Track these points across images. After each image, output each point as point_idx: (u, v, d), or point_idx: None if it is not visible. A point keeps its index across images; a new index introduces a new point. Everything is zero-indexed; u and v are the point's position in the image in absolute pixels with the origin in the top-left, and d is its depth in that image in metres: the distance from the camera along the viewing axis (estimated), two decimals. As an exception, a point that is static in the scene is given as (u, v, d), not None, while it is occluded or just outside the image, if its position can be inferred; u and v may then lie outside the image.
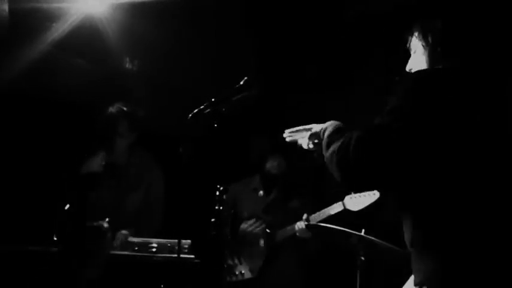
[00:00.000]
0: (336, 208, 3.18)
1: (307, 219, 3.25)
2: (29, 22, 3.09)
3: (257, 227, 3.48)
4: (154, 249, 2.85)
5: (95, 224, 2.93)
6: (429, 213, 1.53)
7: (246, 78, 1.96)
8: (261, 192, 3.64)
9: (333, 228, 2.77)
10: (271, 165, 3.59)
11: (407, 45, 1.83)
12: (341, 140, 1.55)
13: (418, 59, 1.77)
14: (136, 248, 2.85)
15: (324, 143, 1.64)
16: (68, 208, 2.92)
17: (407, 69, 1.83)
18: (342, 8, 3.92)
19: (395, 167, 1.51)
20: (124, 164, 3.32)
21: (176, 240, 2.88)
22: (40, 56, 3.25)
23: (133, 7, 3.55)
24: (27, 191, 3.47)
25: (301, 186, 3.74)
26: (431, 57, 1.72)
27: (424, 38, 1.75)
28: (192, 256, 2.78)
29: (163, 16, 3.73)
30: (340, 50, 3.90)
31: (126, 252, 2.84)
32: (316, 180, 3.80)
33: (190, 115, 1.96)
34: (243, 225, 3.49)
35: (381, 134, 1.50)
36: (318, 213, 3.24)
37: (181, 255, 2.76)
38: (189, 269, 2.74)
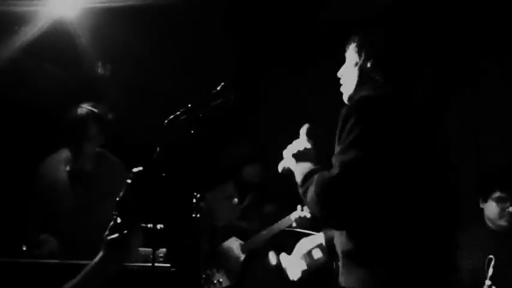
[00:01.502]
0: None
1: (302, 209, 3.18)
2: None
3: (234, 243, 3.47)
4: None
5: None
6: (363, 227, 1.59)
7: (223, 83, 1.94)
8: (236, 199, 3.62)
9: (309, 233, 2.77)
10: (249, 173, 3.57)
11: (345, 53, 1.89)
12: (314, 189, 1.57)
13: (349, 69, 1.84)
14: (109, 258, 2.78)
15: (300, 191, 1.72)
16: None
17: (338, 74, 1.89)
18: (316, 14, 3.95)
19: (370, 198, 1.55)
20: (91, 170, 3.10)
21: (150, 249, 2.84)
22: (8, 61, 3.15)
23: (105, 11, 3.48)
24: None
25: (276, 191, 3.73)
26: (361, 70, 1.79)
27: (358, 50, 1.82)
28: (168, 265, 2.73)
29: (136, 20, 3.68)
30: (317, 55, 3.93)
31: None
32: (292, 184, 3.80)
33: (166, 121, 1.92)
34: (224, 245, 3.47)
35: (352, 170, 1.53)
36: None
37: (157, 264, 2.71)
38: (165, 278, 2.69)
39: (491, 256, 2.79)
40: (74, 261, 2.65)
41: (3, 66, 3.16)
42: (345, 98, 1.86)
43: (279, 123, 3.91)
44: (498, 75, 3.51)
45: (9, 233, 2.99)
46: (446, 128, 1.87)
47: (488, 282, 2.77)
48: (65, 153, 3.12)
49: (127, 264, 2.72)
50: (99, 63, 3.83)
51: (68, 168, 3.09)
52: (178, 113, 1.92)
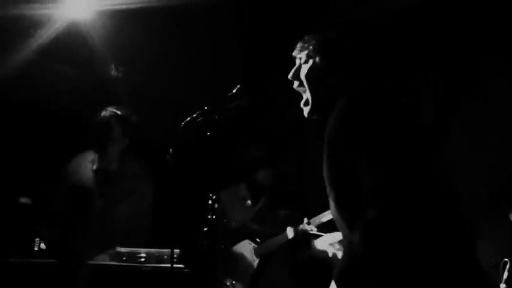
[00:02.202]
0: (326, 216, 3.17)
1: (308, 223, 3.20)
2: (13, 28, 3.02)
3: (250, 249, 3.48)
4: (142, 259, 2.80)
5: None
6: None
7: (238, 86, 1.94)
8: (249, 201, 3.62)
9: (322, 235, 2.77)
10: (262, 176, 3.58)
11: (295, 52, 1.84)
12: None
13: (302, 70, 1.78)
14: (124, 258, 2.80)
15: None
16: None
17: (289, 77, 1.83)
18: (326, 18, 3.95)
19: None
20: (115, 171, 3.23)
21: (164, 250, 2.86)
22: (24, 63, 3.18)
23: (118, 13, 3.51)
24: (12, 201, 3.40)
25: (289, 195, 3.73)
26: (315, 70, 1.75)
27: (313, 51, 1.77)
28: (182, 266, 2.74)
29: (149, 22, 3.70)
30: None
31: (114, 263, 2.79)
32: (305, 188, 3.81)
33: (182, 123, 1.93)
34: (236, 247, 3.47)
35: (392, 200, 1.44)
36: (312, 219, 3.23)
37: (170, 265, 2.73)
38: (179, 279, 2.70)
39: (506, 259, 2.77)
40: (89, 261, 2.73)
41: (20, 69, 3.20)
42: (310, 102, 1.80)
43: (290, 126, 3.91)
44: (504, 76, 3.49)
45: (23, 233, 3.02)
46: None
47: (503, 286, 2.76)
48: (91, 154, 3.25)
49: (140, 265, 2.76)
50: (112, 65, 3.86)
51: (94, 167, 3.21)
52: (194, 115, 1.93)
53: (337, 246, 1.90)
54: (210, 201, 1.98)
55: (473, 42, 3.52)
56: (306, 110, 1.81)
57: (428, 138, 1.66)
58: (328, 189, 1.69)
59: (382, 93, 1.66)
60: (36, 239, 2.92)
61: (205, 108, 1.93)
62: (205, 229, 2.00)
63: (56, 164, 3.26)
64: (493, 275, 2.83)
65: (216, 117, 1.91)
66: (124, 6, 3.44)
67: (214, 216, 1.97)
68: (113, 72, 3.85)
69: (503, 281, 2.77)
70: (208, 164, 3.14)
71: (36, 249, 2.91)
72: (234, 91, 1.93)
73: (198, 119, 1.92)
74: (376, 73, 1.82)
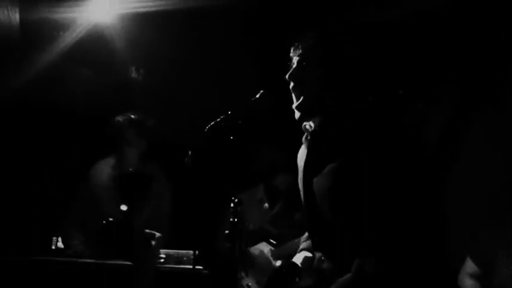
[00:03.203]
0: None
1: None
2: (38, 32, 3.08)
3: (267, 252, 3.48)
4: (162, 260, 2.84)
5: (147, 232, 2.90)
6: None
7: (262, 91, 1.95)
8: (266, 204, 3.63)
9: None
10: (280, 180, 3.58)
11: (292, 53, 1.83)
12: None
13: (308, 72, 1.77)
14: (144, 259, 2.84)
15: None
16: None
17: (289, 77, 1.81)
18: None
19: None
20: (134, 174, 3.29)
21: (184, 251, 2.90)
22: (48, 66, 3.25)
23: (139, 17, 3.56)
24: (32, 200, 3.46)
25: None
26: (311, 71, 1.75)
27: (311, 51, 1.76)
28: (201, 267, 2.77)
29: (169, 26, 3.74)
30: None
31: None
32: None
33: (206, 128, 1.95)
34: (253, 249, 3.48)
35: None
36: None
37: (190, 266, 2.76)
38: (198, 280, 2.73)
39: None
40: (107, 262, 2.77)
41: (44, 71, 3.26)
42: (302, 104, 1.79)
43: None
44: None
45: (41, 232, 3.07)
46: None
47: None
48: (112, 159, 3.32)
49: (160, 265, 2.79)
50: (133, 68, 3.91)
51: (112, 172, 3.28)
52: (218, 119, 1.94)
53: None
54: (232, 205, 1.99)
55: (494, 52, 3.50)
56: (297, 113, 1.81)
57: (436, 172, 1.73)
58: (329, 207, 1.73)
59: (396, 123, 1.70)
60: (54, 238, 2.96)
61: (229, 113, 1.95)
62: (226, 232, 2.01)
63: (79, 167, 3.33)
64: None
65: (240, 122, 1.93)
66: (146, 9, 3.48)
67: (236, 219, 1.98)
68: (134, 75, 3.90)
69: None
70: (227, 166, 3.17)
71: (53, 247, 2.97)
72: (258, 96, 1.94)
73: (222, 124, 1.93)
74: (372, 78, 1.82)
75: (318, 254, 1.85)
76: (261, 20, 4.05)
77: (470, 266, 2.76)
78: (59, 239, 3.02)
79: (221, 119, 1.94)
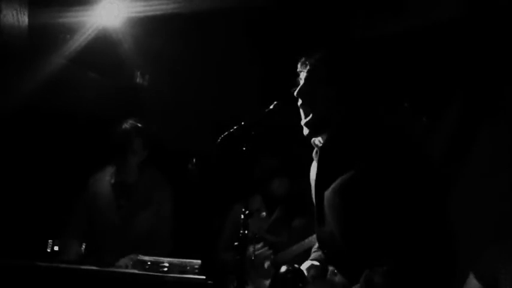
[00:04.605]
0: None
1: None
2: (46, 35, 3.07)
3: (265, 253, 3.46)
4: (165, 269, 2.81)
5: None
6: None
7: (276, 102, 1.95)
8: (264, 213, 3.61)
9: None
10: (277, 185, 3.56)
11: (299, 69, 1.84)
12: None
13: (308, 89, 1.78)
14: (147, 267, 2.81)
15: None
16: None
17: (297, 94, 1.82)
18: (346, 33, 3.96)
19: None
20: (134, 182, 3.27)
21: (187, 260, 2.86)
22: (56, 69, 3.23)
23: (147, 22, 3.55)
24: (37, 204, 3.43)
25: (304, 206, 3.72)
26: (320, 88, 1.76)
27: (319, 68, 1.78)
28: (203, 277, 2.74)
29: (175, 32, 3.74)
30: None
31: (136, 271, 2.80)
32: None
33: (220, 138, 1.94)
34: (251, 249, 3.46)
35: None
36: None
37: (193, 276, 2.73)
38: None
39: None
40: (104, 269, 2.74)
41: (53, 75, 3.24)
42: (311, 121, 1.81)
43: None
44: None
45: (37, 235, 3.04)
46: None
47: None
48: (113, 166, 3.29)
49: (163, 274, 2.76)
50: (138, 73, 3.90)
51: (112, 180, 3.26)
52: (232, 130, 1.93)
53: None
54: (242, 216, 1.98)
55: (498, 67, 3.50)
56: (306, 130, 1.82)
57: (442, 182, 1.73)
58: (339, 221, 1.74)
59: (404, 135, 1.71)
60: (50, 241, 2.93)
61: (243, 123, 1.94)
62: (236, 244, 1.99)
63: (80, 175, 3.31)
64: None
65: (253, 132, 1.92)
66: (154, 13, 3.47)
67: (246, 231, 1.96)
68: (139, 80, 3.89)
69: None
70: (234, 176, 3.15)
71: (49, 250, 2.93)
72: (272, 107, 1.93)
73: (236, 134, 1.92)
74: (380, 94, 1.83)
75: (331, 267, 1.84)
76: (266, 24, 4.05)
77: (473, 283, 2.74)
78: (56, 242, 2.99)
79: (235, 129, 1.93)
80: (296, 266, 2.05)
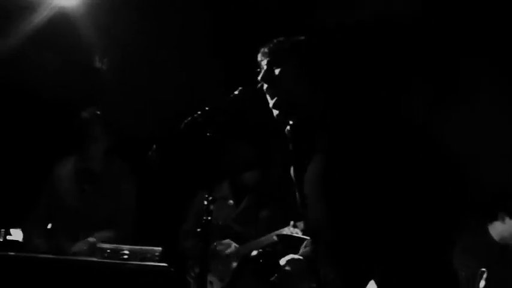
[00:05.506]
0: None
1: (294, 225, 3.21)
2: (2, 14, 2.94)
3: (230, 242, 3.45)
4: (125, 256, 2.76)
5: None
6: None
7: (241, 88, 1.92)
8: (231, 201, 3.60)
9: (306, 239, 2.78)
10: (248, 176, 3.56)
11: (261, 56, 1.82)
12: None
13: (271, 74, 1.77)
14: (106, 255, 2.75)
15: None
16: None
17: (259, 79, 1.79)
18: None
19: None
20: (98, 169, 3.27)
21: (148, 248, 2.83)
22: (10, 49, 3.11)
23: (106, 2, 3.45)
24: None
25: (272, 197, 3.71)
26: (286, 74, 1.75)
27: (286, 54, 1.76)
28: (164, 264, 2.71)
29: (135, 14, 3.65)
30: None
31: (95, 259, 2.74)
32: (287, 191, 3.80)
33: (183, 123, 1.89)
34: (217, 245, 3.45)
35: None
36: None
37: (154, 263, 2.69)
38: (162, 277, 2.67)
39: (483, 269, 2.84)
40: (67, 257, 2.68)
41: (10, 54, 3.13)
42: (277, 103, 1.77)
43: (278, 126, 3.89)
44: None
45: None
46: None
47: (480, 294, 2.83)
48: (76, 154, 3.30)
49: (124, 262, 2.71)
50: (97, 56, 3.80)
51: (76, 166, 3.25)
52: (195, 115, 1.90)
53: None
54: (205, 202, 1.95)
55: (457, 44, 3.60)
56: (275, 112, 1.80)
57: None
58: (313, 198, 1.71)
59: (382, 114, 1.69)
60: (1, 230, 2.86)
61: (207, 108, 1.90)
62: (198, 230, 1.96)
63: (41, 160, 3.25)
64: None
65: (217, 118, 1.89)
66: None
67: (209, 218, 1.94)
68: (98, 64, 3.79)
69: (480, 289, 2.84)
70: (197, 163, 3.12)
71: (1, 240, 2.86)
72: (237, 92, 1.91)
73: (200, 119, 1.89)
74: (349, 80, 1.83)
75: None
76: (228, 9, 4.00)
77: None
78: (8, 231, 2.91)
79: (198, 114, 1.89)
80: (268, 249, 2.03)
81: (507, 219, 3.03)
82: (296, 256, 1.88)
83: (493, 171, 3.40)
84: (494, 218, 3.09)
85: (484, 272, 2.84)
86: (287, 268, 1.84)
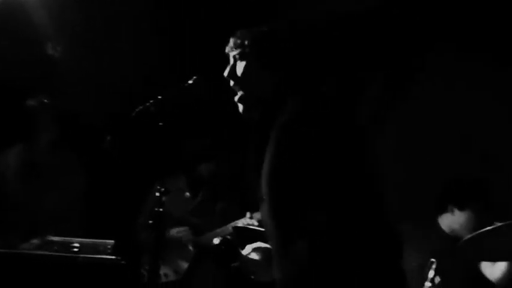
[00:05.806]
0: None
1: (251, 217, 3.21)
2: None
3: (186, 234, 3.43)
4: (76, 249, 2.69)
5: None
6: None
7: (195, 77, 1.89)
8: (187, 193, 3.58)
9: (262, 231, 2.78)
10: (203, 168, 3.54)
11: (228, 49, 1.82)
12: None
13: (237, 67, 1.77)
14: (56, 248, 2.67)
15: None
16: None
17: (224, 75, 1.80)
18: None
19: None
20: (45, 160, 3.17)
21: (99, 240, 2.77)
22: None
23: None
24: None
25: (228, 189, 3.70)
26: (250, 68, 1.75)
27: (248, 47, 1.76)
28: (117, 257, 2.66)
29: (90, 1, 3.56)
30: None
31: (45, 252, 2.66)
32: (243, 183, 3.80)
33: (134, 112, 1.85)
34: (172, 231, 3.42)
35: None
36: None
37: (106, 256, 2.64)
38: (114, 270, 2.62)
39: (433, 259, 2.90)
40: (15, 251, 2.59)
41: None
42: (242, 97, 1.78)
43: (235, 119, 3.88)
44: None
45: None
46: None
47: (428, 284, 2.89)
48: (23, 144, 3.18)
49: (74, 255, 2.65)
50: (50, 44, 3.68)
51: (21, 157, 3.14)
52: (147, 104, 1.86)
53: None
54: (158, 194, 1.92)
55: (410, 39, 3.68)
56: (240, 107, 1.81)
57: (364, 141, 1.70)
58: (264, 191, 1.71)
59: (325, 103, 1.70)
60: None
61: (159, 97, 1.87)
62: (150, 221, 1.93)
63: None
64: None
65: (170, 108, 1.86)
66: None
67: (161, 209, 1.91)
68: (51, 51, 3.67)
69: (428, 279, 2.90)
70: (151, 154, 3.07)
71: None
72: (190, 82, 1.88)
73: (152, 108, 1.85)
74: (312, 71, 1.83)
75: None
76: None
77: None
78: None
79: (150, 103, 1.85)
80: (229, 237, 2.01)
81: (456, 211, 3.10)
82: (263, 244, 1.88)
83: (442, 164, 3.50)
84: (444, 210, 3.15)
85: (433, 262, 2.90)
86: (253, 256, 1.84)
